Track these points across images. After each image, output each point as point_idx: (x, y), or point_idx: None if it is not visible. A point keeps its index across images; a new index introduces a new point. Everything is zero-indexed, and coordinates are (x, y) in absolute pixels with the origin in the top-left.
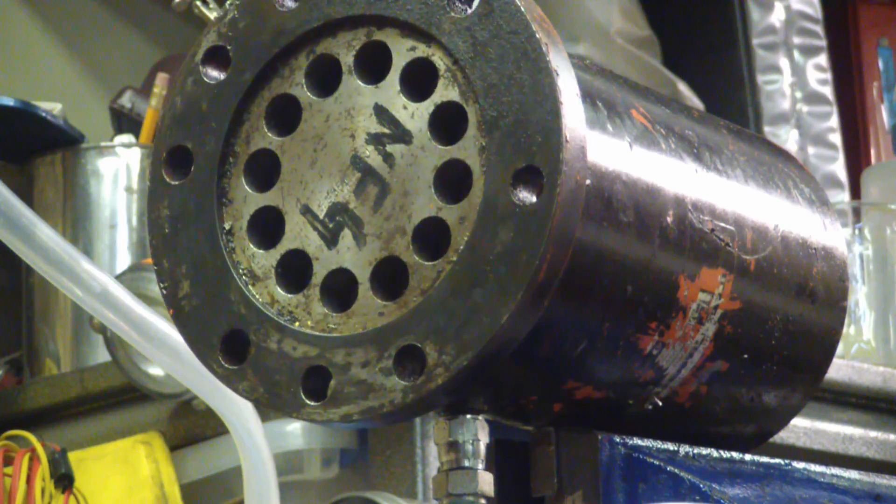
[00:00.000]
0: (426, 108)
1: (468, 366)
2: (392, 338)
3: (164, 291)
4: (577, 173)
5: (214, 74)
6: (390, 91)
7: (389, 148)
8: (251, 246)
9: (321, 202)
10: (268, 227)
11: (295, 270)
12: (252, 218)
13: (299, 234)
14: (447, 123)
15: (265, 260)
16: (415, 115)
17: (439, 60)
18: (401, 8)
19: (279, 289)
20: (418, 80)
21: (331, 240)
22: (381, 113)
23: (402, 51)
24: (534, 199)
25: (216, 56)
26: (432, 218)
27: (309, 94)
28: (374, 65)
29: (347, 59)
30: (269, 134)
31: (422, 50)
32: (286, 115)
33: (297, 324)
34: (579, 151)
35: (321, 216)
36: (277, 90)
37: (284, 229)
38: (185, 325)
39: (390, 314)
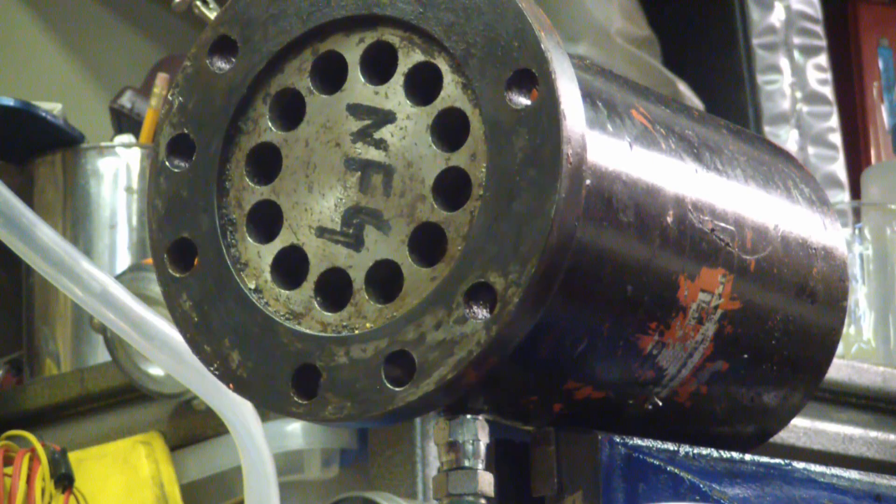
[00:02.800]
0: (396, 81)
1: (538, 272)
2: (453, 288)
3: (217, 372)
4: (562, 60)
5: (183, 164)
6: (356, 87)
7: (377, 134)
8: (283, 291)
9: (333, 217)
10: (292, 265)
11: (334, 288)
12: (273, 266)
13: (324, 256)
14: (423, 85)
15: (301, 295)
16: (388, 94)
17: (391, 36)
18: (336, 8)
19: (326, 313)
20: (379, 64)
21: (356, 244)
22: (356, 109)
23: (353, 47)
24: (533, 97)
25: (178, 146)
26: (445, 171)
27: (280, 133)
28: (331, 74)
29: (304, 83)
30: (258, 186)
31: (370, 37)
32: (267, 162)
33: (356, 331)
34: (556, 44)
35: (338, 229)
36: (248, 145)
37: (308, 259)
38: (250, 389)
39: (442, 273)
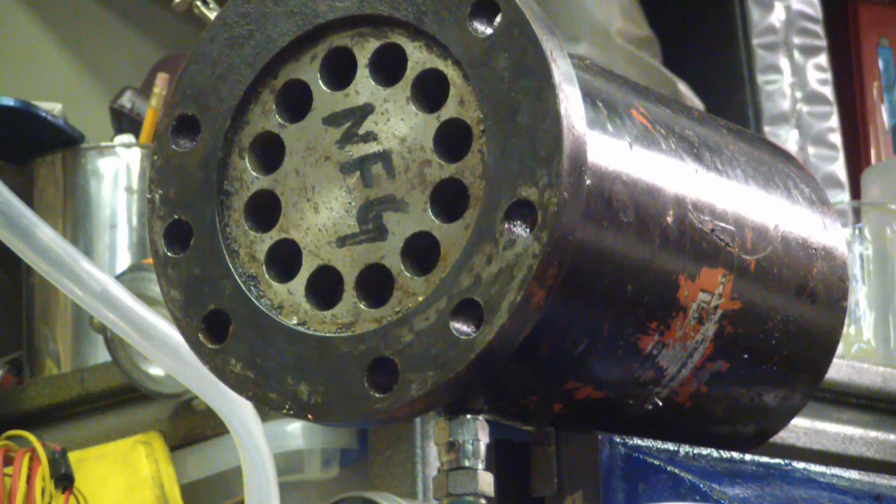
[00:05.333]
0: (362, 75)
1: (565, 167)
2: (490, 221)
3: (291, 411)
4: None
5: (185, 249)
6: (325, 100)
7: (362, 130)
8: (327, 312)
9: (348, 222)
10: (326, 285)
11: (375, 284)
12: (308, 295)
13: (354, 261)
14: (389, 66)
15: (345, 306)
16: (358, 90)
17: (340, 39)
18: (279, 38)
19: (375, 310)
20: (339, 69)
21: (380, 234)
22: (332, 119)
23: (308, 67)
24: (497, 20)
25: (174, 233)
26: (440, 127)
27: (268, 176)
28: (296, 101)
29: (273, 122)
30: (266, 233)
31: (321, 50)
32: (265, 207)
33: (409, 307)
34: None
35: (358, 230)
36: (241, 202)
37: (339, 271)
38: (330, 412)
39: (473, 216)
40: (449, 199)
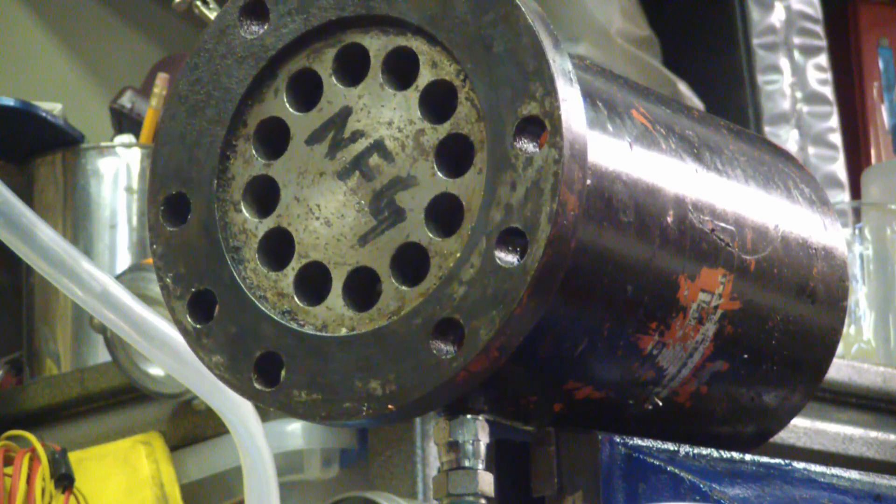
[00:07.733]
0: (329, 85)
1: (554, 69)
2: (502, 149)
3: (371, 411)
4: None
5: (210, 317)
6: (302, 124)
7: (347, 132)
8: (373, 310)
9: (363, 220)
10: (363, 285)
11: (411, 263)
12: (348, 303)
13: (381, 252)
14: (353, 68)
15: (388, 295)
16: (332, 100)
17: (296, 64)
18: (236, 89)
19: (417, 287)
20: (306, 89)
21: (397, 217)
22: (315, 136)
23: (273, 103)
24: None
25: (198, 304)
26: (422, 96)
27: (271, 217)
28: (275, 137)
29: (258, 165)
30: (287, 268)
31: (282, 81)
32: (278, 243)
33: (451, 267)
34: None
35: (375, 223)
36: (252, 250)
37: (371, 267)
38: (410, 392)
39: (483, 160)
40: (454, 155)
